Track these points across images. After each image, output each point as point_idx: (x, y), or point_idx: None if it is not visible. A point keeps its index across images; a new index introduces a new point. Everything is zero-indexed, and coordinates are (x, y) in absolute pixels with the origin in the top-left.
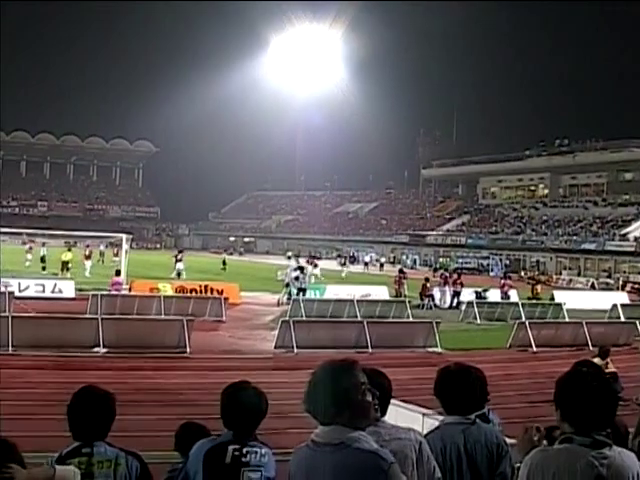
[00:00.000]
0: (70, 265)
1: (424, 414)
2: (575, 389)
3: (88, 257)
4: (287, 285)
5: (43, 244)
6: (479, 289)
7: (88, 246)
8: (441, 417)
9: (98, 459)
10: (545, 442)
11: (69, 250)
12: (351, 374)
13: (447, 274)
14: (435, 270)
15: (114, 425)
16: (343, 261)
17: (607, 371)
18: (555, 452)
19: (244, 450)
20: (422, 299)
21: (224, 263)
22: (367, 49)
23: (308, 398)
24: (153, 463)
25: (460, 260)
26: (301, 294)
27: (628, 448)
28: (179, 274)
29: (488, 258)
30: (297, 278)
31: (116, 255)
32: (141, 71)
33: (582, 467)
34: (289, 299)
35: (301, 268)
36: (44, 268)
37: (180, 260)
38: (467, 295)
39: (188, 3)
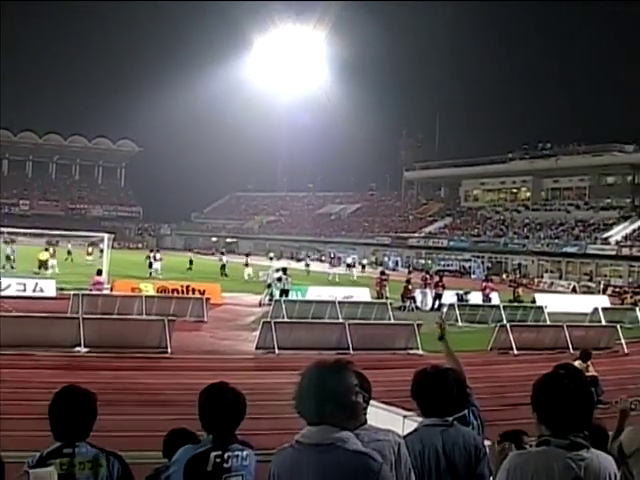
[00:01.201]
0: (49, 264)
1: (405, 416)
2: (552, 391)
3: (52, 255)
4: (269, 286)
5: (8, 242)
6: (461, 291)
7: (52, 244)
8: (421, 419)
9: (79, 460)
10: (513, 446)
11: (46, 250)
12: (345, 375)
13: (428, 276)
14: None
15: (95, 425)
16: (333, 263)
17: (588, 374)
18: (533, 454)
19: (225, 455)
20: (404, 301)
21: (191, 262)
22: (351, 50)
23: (299, 397)
24: (134, 464)
25: (442, 262)
26: (284, 295)
27: (607, 451)
28: (151, 273)
29: (470, 261)
30: (280, 279)
31: (90, 254)
32: (125, 70)
33: (560, 469)
34: (271, 300)
35: (284, 269)
36: (12, 267)
37: (157, 260)
38: (449, 297)
39: (172, 3)
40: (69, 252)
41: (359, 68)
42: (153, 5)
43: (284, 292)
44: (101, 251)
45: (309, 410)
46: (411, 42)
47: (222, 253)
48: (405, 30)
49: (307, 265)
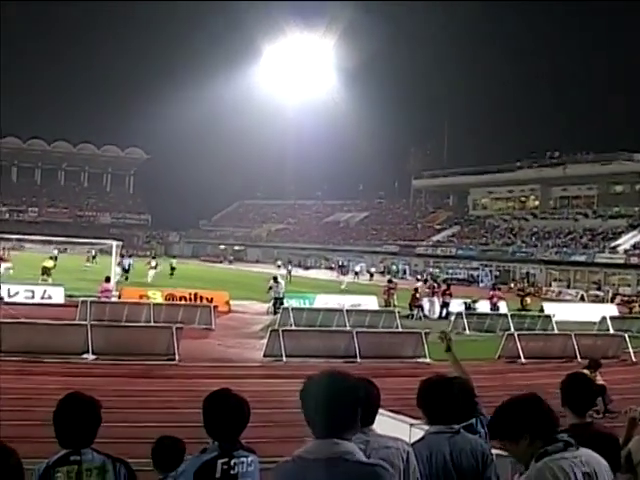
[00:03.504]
0: (52, 271)
1: (412, 424)
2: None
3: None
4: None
5: None
6: (468, 300)
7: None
8: (427, 427)
9: (87, 466)
10: None
11: (51, 258)
12: (356, 387)
13: (436, 284)
14: (418, 280)
15: (101, 432)
16: (344, 271)
17: (596, 383)
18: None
19: (232, 462)
20: (411, 309)
21: (172, 269)
22: (359, 59)
23: (308, 408)
24: (141, 470)
25: (450, 271)
26: (279, 303)
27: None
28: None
29: (478, 269)
30: (270, 288)
31: (88, 261)
32: (134, 78)
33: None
34: (278, 308)
35: (274, 278)
36: None
37: (152, 267)
38: (456, 306)
39: (181, 11)
40: (94, 257)
41: (367, 76)
42: (163, 14)
43: (278, 300)
44: (94, 257)
45: (319, 422)
46: (419, 50)
47: (230, 261)
48: (413, 38)
49: (289, 272)
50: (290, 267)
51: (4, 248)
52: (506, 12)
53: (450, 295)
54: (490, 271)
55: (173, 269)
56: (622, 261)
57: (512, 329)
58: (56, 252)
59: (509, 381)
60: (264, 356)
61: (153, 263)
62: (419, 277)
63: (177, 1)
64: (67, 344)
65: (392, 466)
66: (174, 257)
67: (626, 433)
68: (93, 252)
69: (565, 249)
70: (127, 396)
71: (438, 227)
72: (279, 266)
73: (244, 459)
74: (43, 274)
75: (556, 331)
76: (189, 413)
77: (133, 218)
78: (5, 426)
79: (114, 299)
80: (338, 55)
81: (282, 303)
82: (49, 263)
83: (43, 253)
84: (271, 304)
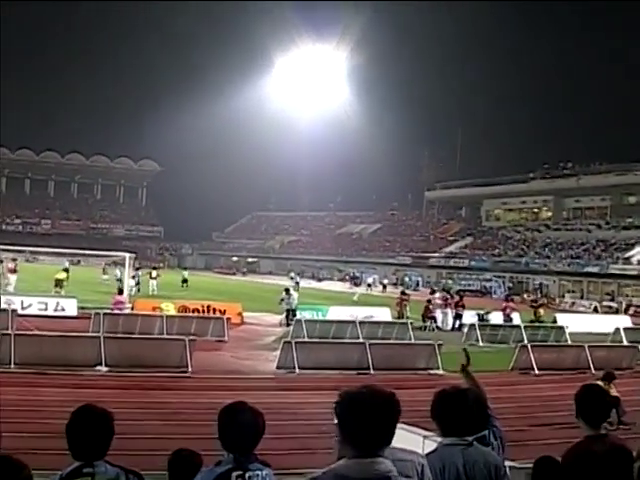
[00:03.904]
0: (65, 283)
1: (425, 436)
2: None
3: (13, 271)
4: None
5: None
6: (481, 311)
7: (15, 260)
8: (440, 439)
9: (100, 479)
10: None
11: (65, 270)
12: (397, 403)
13: (449, 296)
14: (432, 292)
15: (114, 444)
16: (357, 282)
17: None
18: None
19: (246, 475)
20: (424, 321)
21: (184, 280)
22: (373, 70)
23: (348, 425)
24: None
25: (463, 282)
26: (291, 315)
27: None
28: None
29: (491, 280)
30: (282, 300)
31: (105, 273)
32: (146, 90)
33: None
34: (291, 320)
35: (286, 290)
36: None
37: (153, 278)
38: (469, 317)
39: (194, 23)
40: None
41: (380, 88)
42: (174, 25)
43: (290, 311)
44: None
45: (360, 439)
46: (433, 60)
47: (243, 273)
48: (426, 48)
49: (297, 284)
50: (298, 279)
51: (14, 259)
52: (520, 25)
53: (463, 306)
54: (503, 282)
55: (185, 280)
56: (635, 272)
57: (525, 340)
58: (67, 264)
59: (522, 393)
60: (277, 368)
61: (154, 274)
62: (435, 288)
63: (189, 14)
64: (80, 356)
65: (407, 478)
66: (185, 269)
67: None
68: (103, 264)
69: (578, 260)
70: (140, 408)
71: (451, 238)
72: (292, 278)
73: (259, 472)
74: (56, 286)
75: (569, 342)
76: (202, 425)
77: (146, 230)
78: (17, 438)
79: (127, 311)
80: (350, 66)
81: (295, 315)
82: (62, 275)
83: (56, 265)
84: (283, 316)
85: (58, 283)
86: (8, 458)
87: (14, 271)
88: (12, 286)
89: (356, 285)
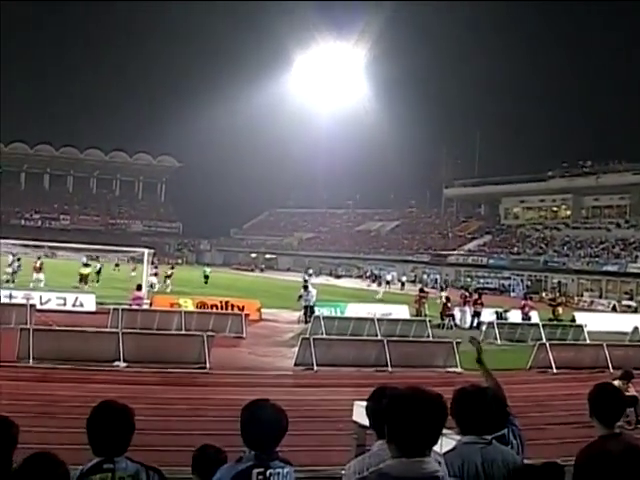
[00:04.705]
0: (90, 278)
1: (443, 434)
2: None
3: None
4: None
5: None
6: (500, 309)
7: (39, 258)
8: (458, 437)
9: (120, 475)
10: None
11: (87, 265)
12: (445, 405)
13: (467, 294)
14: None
15: (134, 440)
16: (379, 281)
17: (627, 394)
18: None
19: (267, 472)
20: (442, 319)
21: (206, 277)
22: (391, 68)
23: (398, 426)
24: (174, 478)
25: (481, 280)
26: (308, 311)
27: None
28: (151, 285)
29: (509, 279)
30: (300, 297)
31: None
32: (167, 86)
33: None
34: (309, 317)
35: (305, 287)
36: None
37: (152, 274)
38: (488, 315)
39: (214, 20)
40: (117, 264)
41: (399, 85)
42: (195, 24)
43: (306, 308)
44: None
45: (410, 440)
46: (451, 59)
47: (261, 270)
48: (444, 47)
49: (305, 280)
50: (306, 277)
51: (39, 258)
52: (538, 26)
53: (481, 304)
54: (522, 280)
55: (207, 277)
56: None
57: (544, 339)
58: (85, 259)
59: (540, 391)
60: (295, 365)
61: (168, 272)
62: (443, 286)
63: (212, 13)
64: (98, 351)
65: None
66: (207, 265)
67: None
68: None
69: (597, 259)
70: (158, 404)
71: (469, 236)
72: (310, 275)
73: (280, 470)
74: (81, 281)
75: (588, 341)
76: (220, 421)
77: (164, 226)
78: (35, 433)
79: (145, 307)
80: (370, 64)
81: (313, 311)
82: (85, 270)
83: (74, 261)
84: (302, 312)
85: (83, 278)
86: (47, 454)
87: (40, 269)
88: (42, 282)
89: (374, 282)
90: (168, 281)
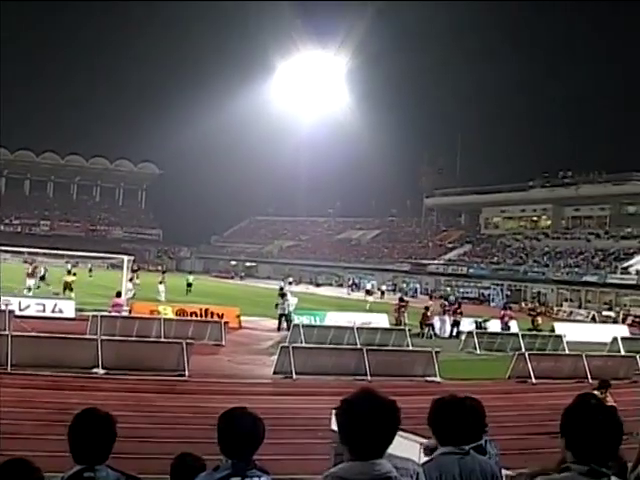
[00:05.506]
0: (73, 286)
1: (421, 444)
2: (582, 419)
3: (32, 275)
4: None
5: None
6: (479, 319)
7: (32, 263)
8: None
9: None
10: None
11: (70, 272)
12: (397, 407)
13: (447, 303)
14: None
15: (113, 448)
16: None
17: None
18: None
19: None
20: (422, 328)
21: (189, 284)
22: (373, 76)
23: (349, 429)
24: None
25: (461, 290)
26: (284, 319)
27: None
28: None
29: (489, 288)
30: (277, 305)
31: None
32: (147, 93)
33: None
34: (285, 324)
35: (282, 294)
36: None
37: (130, 280)
38: (467, 325)
39: (195, 27)
40: (90, 270)
41: (380, 94)
42: (176, 29)
43: (282, 316)
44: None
45: (362, 443)
46: (432, 68)
47: (241, 277)
48: (426, 56)
49: (281, 288)
50: (283, 284)
51: (32, 263)
52: (522, 31)
53: (461, 314)
54: (501, 290)
55: (189, 285)
56: (634, 282)
57: (523, 349)
58: (69, 266)
59: (519, 401)
60: (274, 373)
61: (160, 278)
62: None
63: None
64: (77, 358)
65: None
66: (190, 273)
67: (637, 455)
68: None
69: (577, 269)
70: (136, 411)
71: (450, 245)
72: (290, 282)
73: (257, 479)
74: (65, 289)
75: (567, 351)
76: (199, 429)
77: (145, 233)
78: (14, 440)
79: (125, 314)
80: (351, 72)
81: (289, 319)
82: (70, 278)
83: (56, 267)
84: (279, 320)
85: (67, 286)
86: (23, 460)
87: (32, 275)
88: (32, 290)
89: (354, 291)
90: (162, 287)
